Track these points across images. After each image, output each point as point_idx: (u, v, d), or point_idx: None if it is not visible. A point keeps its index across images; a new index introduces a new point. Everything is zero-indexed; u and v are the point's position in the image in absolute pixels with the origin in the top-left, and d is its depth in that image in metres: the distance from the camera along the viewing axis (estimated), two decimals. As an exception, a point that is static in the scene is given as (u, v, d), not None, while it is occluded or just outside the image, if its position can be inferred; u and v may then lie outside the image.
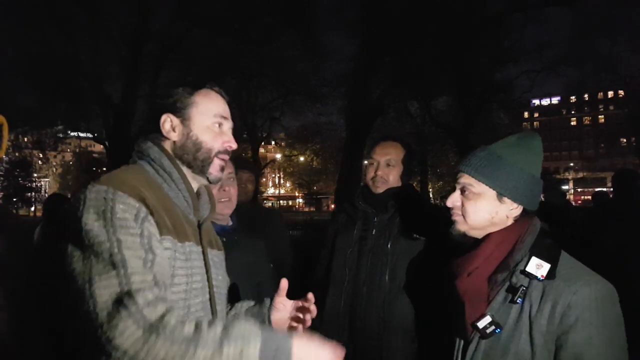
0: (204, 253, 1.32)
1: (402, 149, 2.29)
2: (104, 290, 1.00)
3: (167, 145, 1.31)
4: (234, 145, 1.36)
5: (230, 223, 2.21)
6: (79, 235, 1.08)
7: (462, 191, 1.42)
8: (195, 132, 1.31)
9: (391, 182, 2.23)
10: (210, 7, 14.18)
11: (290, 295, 1.51)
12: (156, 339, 0.94)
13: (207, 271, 1.32)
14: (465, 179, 1.41)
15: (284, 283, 1.42)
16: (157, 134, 1.32)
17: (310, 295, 1.40)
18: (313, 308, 1.38)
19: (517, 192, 1.37)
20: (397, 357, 2.05)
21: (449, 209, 1.45)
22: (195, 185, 1.35)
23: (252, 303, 1.54)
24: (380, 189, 2.22)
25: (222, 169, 1.35)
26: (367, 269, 2.14)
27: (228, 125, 1.36)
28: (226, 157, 1.35)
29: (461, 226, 1.42)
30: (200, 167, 1.31)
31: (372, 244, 2.17)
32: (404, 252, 2.11)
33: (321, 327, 2.23)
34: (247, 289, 2.12)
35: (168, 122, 1.31)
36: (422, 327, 2.07)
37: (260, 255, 2.31)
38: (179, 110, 1.31)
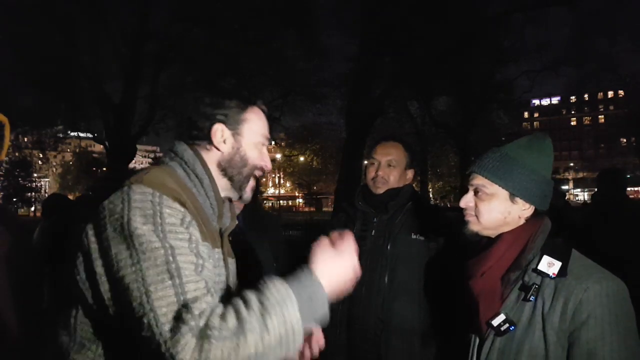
0: (224, 260, 1.33)
1: (403, 149, 2.28)
2: (163, 302, 1.00)
3: (211, 155, 1.31)
4: (269, 167, 1.41)
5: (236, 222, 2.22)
6: (125, 238, 1.05)
7: (475, 192, 1.45)
8: (244, 148, 1.33)
9: (392, 183, 2.22)
10: (210, 7, 14.16)
11: None
12: (209, 345, 0.95)
13: (227, 278, 1.33)
14: (479, 180, 1.43)
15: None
16: (202, 142, 1.31)
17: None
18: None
19: (529, 193, 1.40)
20: (396, 358, 2.05)
21: (461, 210, 1.47)
22: (224, 194, 1.35)
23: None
24: (380, 189, 2.22)
25: (253, 189, 1.39)
26: (366, 269, 2.13)
27: (267, 145, 1.41)
28: (260, 174, 1.39)
29: (474, 226, 1.45)
30: (241, 182, 1.34)
31: (371, 245, 2.16)
32: (403, 253, 2.10)
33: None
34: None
35: (220, 132, 1.30)
36: (422, 327, 2.07)
37: (266, 254, 2.33)
38: (232, 124, 1.32)
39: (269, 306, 1.00)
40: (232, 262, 1.43)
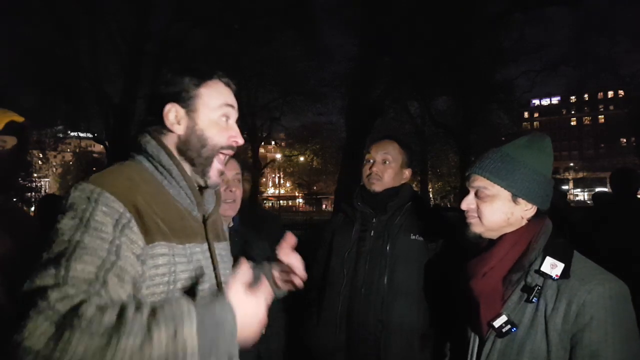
0: (210, 250, 1.26)
1: (399, 147, 2.27)
2: (37, 282, 0.90)
3: (170, 139, 1.23)
4: (241, 141, 1.28)
5: (232, 224, 2.19)
6: (52, 232, 1.01)
7: (477, 193, 1.43)
8: (200, 126, 1.22)
9: (386, 180, 2.21)
10: (210, 7, 14.16)
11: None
12: (70, 334, 0.82)
13: (215, 268, 1.26)
14: (480, 182, 1.42)
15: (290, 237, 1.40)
16: (158, 127, 1.23)
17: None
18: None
19: (532, 193, 1.39)
20: (395, 359, 2.04)
21: (462, 212, 1.46)
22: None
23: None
24: (375, 185, 2.20)
25: (221, 173, 1.28)
26: (365, 270, 2.13)
27: (234, 117, 1.28)
28: (230, 152, 1.28)
29: (477, 228, 1.43)
30: (203, 165, 1.24)
31: (371, 245, 2.15)
32: (402, 254, 2.09)
33: (318, 328, 2.22)
34: None
35: (173, 112, 1.21)
36: (421, 328, 2.06)
37: (264, 255, 2.29)
38: (185, 100, 1.21)
39: (160, 317, 0.87)
40: (223, 247, 1.37)
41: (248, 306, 0.99)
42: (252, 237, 2.29)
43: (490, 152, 1.45)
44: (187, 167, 1.24)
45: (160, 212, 1.14)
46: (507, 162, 1.40)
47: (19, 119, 1.77)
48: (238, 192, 2.11)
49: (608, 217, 3.80)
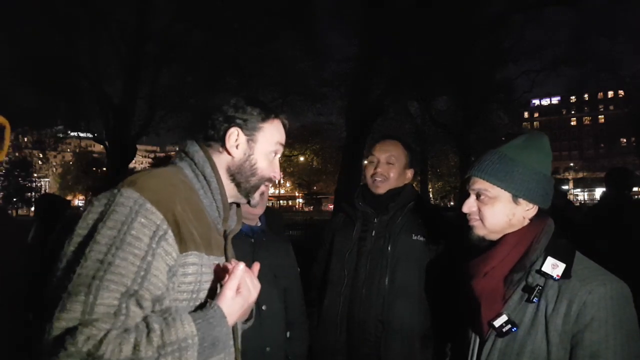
0: None
1: (402, 147, 2.27)
2: (65, 315, 0.96)
3: (222, 158, 1.30)
4: (278, 177, 1.39)
5: (259, 224, 2.18)
6: (87, 238, 1.04)
7: (477, 196, 1.43)
8: (255, 156, 1.31)
9: (391, 181, 2.21)
10: (210, 7, 14.15)
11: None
12: None
13: None
14: (480, 184, 1.42)
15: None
16: (215, 143, 1.30)
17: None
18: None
19: (532, 193, 1.39)
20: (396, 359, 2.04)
21: (464, 215, 1.45)
22: (230, 199, 1.34)
23: None
24: (380, 187, 2.20)
25: (262, 194, 1.38)
26: (366, 270, 2.12)
27: (279, 156, 1.38)
28: (269, 184, 1.39)
29: (480, 231, 1.43)
30: (249, 190, 1.33)
31: (372, 245, 2.15)
32: (404, 254, 2.09)
33: (319, 328, 2.22)
34: (274, 293, 2.10)
35: (234, 135, 1.29)
36: (422, 328, 2.06)
37: (289, 258, 2.28)
38: (249, 129, 1.30)
39: (168, 346, 0.98)
40: None
41: (236, 306, 1.15)
42: (278, 238, 2.28)
43: (488, 153, 1.45)
44: (231, 186, 1.32)
45: (195, 220, 1.19)
46: (505, 163, 1.40)
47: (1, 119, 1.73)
48: (266, 190, 2.11)
49: (607, 216, 3.81)
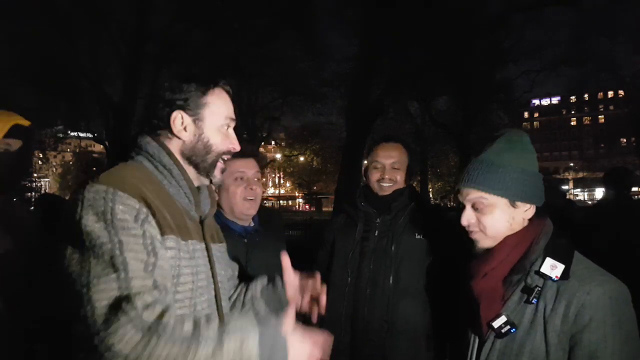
0: (207, 249, 1.30)
1: (404, 150, 2.27)
2: (103, 294, 0.97)
3: (173, 143, 1.28)
4: (238, 148, 1.35)
5: (252, 224, 2.18)
6: (78, 237, 1.04)
7: (474, 206, 1.42)
8: (206, 134, 1.28)
9: (399, 183, 2.21)
10: (210, 7, 14.15)
11: None
12: (157, 341, 0.93)
13: (212, 268, 1.30)
14: (474, 194, 1.41)
15: (286, 259, 1.42)
16: (163, 130, 1.28)
17: (318, 275, 1.44)
18: (319, 286, 1.44)
19: (528, 194, 1.39)
20: None
21: (464, 228, 1.44)
22: (196, 182, 1.32)
23: (265, 282, 1.53)
24: (387, 191, 2.20)
25: (223, 171, 1.34)
26: (370, 271, 2.11)
27: (233, 126, 1.35)
28: (228, 157, 1.34)
29: (484, 242, 1.42)
30: (208, 169, 1.30)
31: (375, 246, 2.14)
32: (407, 253, 2.09)
33: (322, 330, 2.22)
34: None
35: (179, 119, 1.26)
36: (427, 328, 2.05)
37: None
38: (192, 109, 1.26)
39: (230, 330, 0.99)
40: (219, 248, 1.40)
41: (304, 349, 1.07)
42: (272, 238, 2.27)
43: (473, 163, 1.44)
44: (189, 169, 1.29)
45: (165, 207, 1.18)
46: (494, 171, 1.38)
47: (25, 122, 1.78)
48: (258, 191, 2.11)
49: (606, 215, 3.82)
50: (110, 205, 1.06)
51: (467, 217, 1.43)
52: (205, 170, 1.30)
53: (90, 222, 1.05)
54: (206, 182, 1.34)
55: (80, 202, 1.08)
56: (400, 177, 2.21)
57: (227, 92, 1.35)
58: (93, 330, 0.95)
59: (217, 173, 1.32)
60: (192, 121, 1.27)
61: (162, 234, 1.13)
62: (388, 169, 2.21)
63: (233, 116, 1.34)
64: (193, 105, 1.27)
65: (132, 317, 0.94)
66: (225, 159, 1.34)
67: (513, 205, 1.39)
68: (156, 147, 1.25)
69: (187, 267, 1.19)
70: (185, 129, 1.27)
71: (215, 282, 1.29)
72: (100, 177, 1.14)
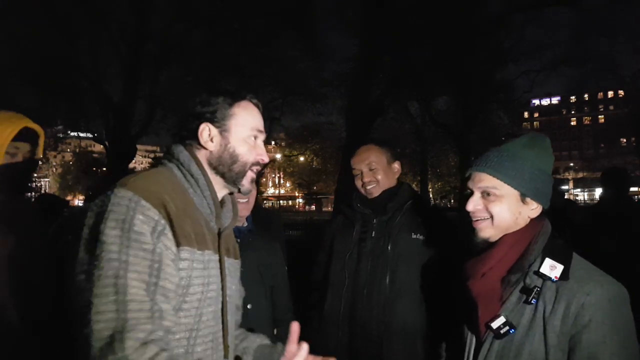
0: (220, 262, 1.32)
1: (377, 147, 2.27)
2: (101, 317, 1.02)
3: (202, 154, 1.32)
4: (267, 159, 1.39)
5: (246, 224, 2.21)
6: (92, 241, 1.09)
7: (483, 194, 1.40)
8: (232, 144, 1.32)
9: (382, 183, 2.22)
10: (210, 7, 14.15)
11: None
12: None
13: (222, 280, 1.32)
14: (487, 182, 1.38)
15: (295, 327, 1.34)
16: (191, 141, 1.33)
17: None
18: None
19: (540, 192, 1.39)
20: None
21: (461, 210, 1.45)
22: (220, 194, 1.36)
23: (265, 341, 1.50)
24: (373, 192, 2.22)
25: (253, 180, 1.38)
26: (367, 271, 2.12)
27: (262, 138, 1.38)
28: (258, 169, 1.38)
29: (487, 232, 1.40)
30: (234, 178, 1.34)
31: (372, 246, 2.15)
32: (404, 253, 2.09)
33: (320, 330, 2.22)
34: (261, 291, 2.12)
35: (206, 131, 1.31)
36: (424, 328, 2.05)
37: (275, 257, 2.29)
38: (219, 121, 1.32)
39: None
40: (232, 263, 1.41)
41: None
42: (265, 238, 2.30)
43: (493, 151, 1.42)
44: (217, 180, 1.34)
45: (186, 216, 1.22)
46: (514, 161, 1.37)
47: (34, 125, 1.78)
48: (252, 192, 2.12)
49: (614, 216, 3.80)
50: (131, 214, 1.11)
51: (474, 203, 1.40)
52: (232, 179, 1.34)
53: (108, 230, 1.09)
54: (235, 190, 1.37)
55: (105, 205, 1.12)
56: (381, 176, 2.22)
57: (256, 105, 1.39)
58: (88, 351, 1.00)
59: (245, 182, 1.36)
60: (219, 132, 1.32)
61: (178, 244, 1.17)
62: (365, 172, 2.23)
63: (261, 128, 1.38)
64: (220, 117, 1.32)
65: (119, 357, 0.98)
66: (255, 170, 1.37)
67: (523, 200, 1.38)
68: (187, 156, 1.30)
69: (199, 277, 1.22)
70: (212, 139, 1.32)
71: (224, 295, 1.31)
72: (129, 181, 1.18)
